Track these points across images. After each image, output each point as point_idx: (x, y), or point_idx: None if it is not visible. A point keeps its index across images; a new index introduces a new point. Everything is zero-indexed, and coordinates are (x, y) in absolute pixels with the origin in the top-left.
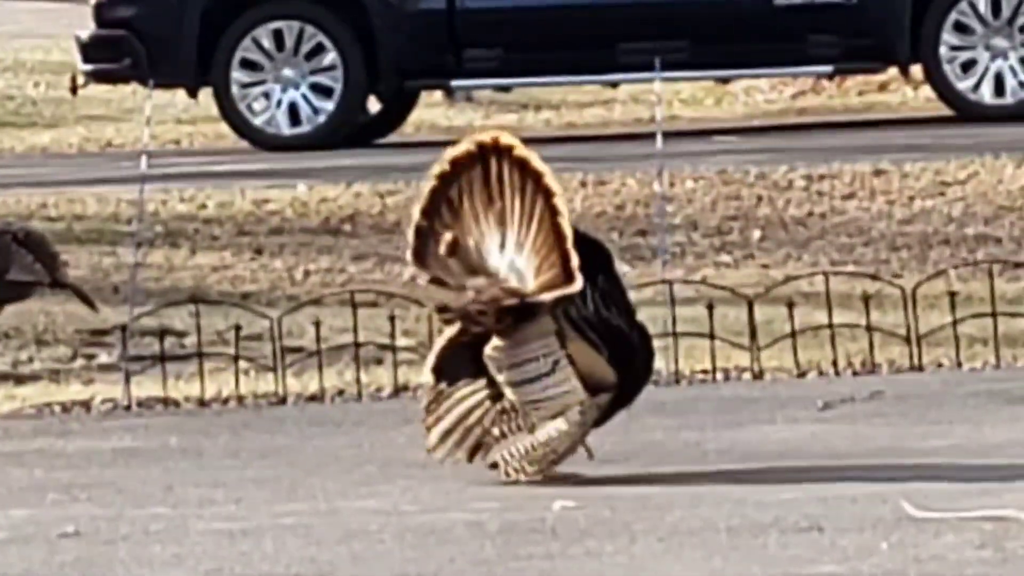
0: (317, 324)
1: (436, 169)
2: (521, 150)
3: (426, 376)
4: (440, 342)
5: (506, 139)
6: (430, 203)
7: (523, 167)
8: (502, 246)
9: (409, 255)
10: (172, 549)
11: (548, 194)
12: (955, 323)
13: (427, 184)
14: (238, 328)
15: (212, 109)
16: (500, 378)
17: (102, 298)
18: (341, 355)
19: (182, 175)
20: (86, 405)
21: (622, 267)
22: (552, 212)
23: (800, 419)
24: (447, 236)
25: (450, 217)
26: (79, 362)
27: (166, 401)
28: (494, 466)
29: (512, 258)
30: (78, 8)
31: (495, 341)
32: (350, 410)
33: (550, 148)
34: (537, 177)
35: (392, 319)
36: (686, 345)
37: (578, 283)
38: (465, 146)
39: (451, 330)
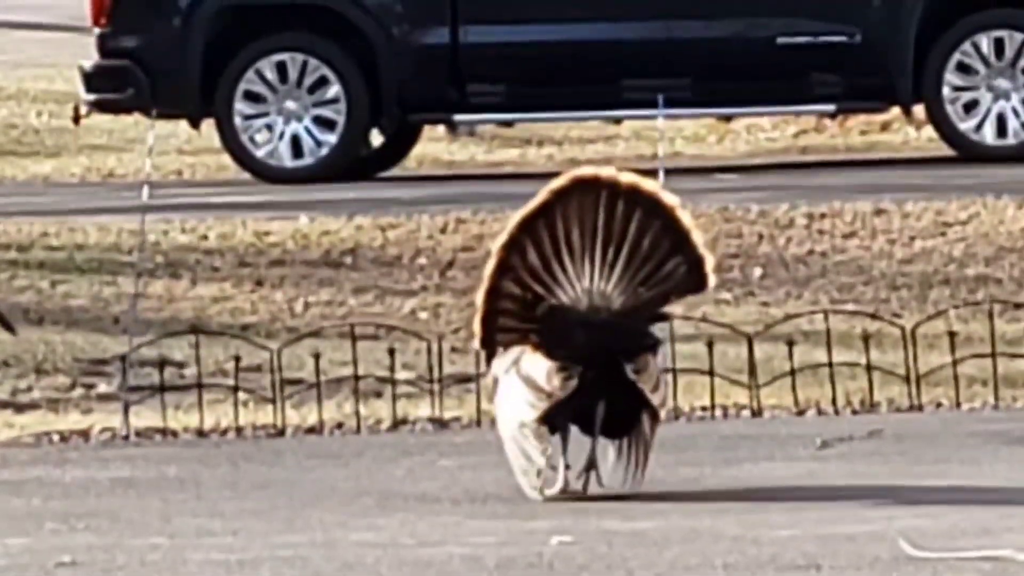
0: (317, 356)
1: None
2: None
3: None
4: (551, 401)
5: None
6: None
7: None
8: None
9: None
10: None
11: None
12: (955, 363)
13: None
14: (238, 359)
15: (214, 140)
16: (656, 399)
17: (102, 328)
18: (340, 387)
19: (184, 206)
20: (85, 434)
21: None
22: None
23: (799, 457)
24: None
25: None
26: (78, 391)
27: (165, 431)
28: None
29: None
30: (82, 38)
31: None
32: (349, 442)
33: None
34: None
35: (392, 352)
36: (685, 382)
37: None
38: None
39: (566, 389)
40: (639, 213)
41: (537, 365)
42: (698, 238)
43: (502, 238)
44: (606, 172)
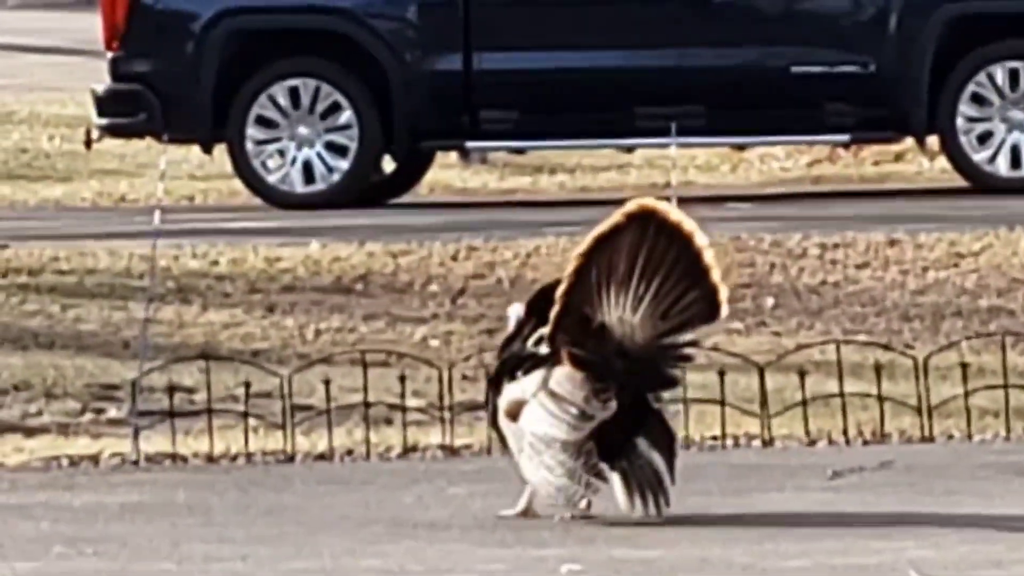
0: (327, 383)
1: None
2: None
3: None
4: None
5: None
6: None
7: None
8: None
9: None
10: None
11: None
12: (966, 394)
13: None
14: (248, 385)
15: (226, 165)
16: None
17: (112, 352)
18: (351, 414)
19: (195, 231)
20: (94, 459)
21: None
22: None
23: (810, 487)
24: None
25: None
26: (88, 416)
27: (174, 457)
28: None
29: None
30: (94, 62)
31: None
32: (358, 469)
33: (564, 212)
34: None
35: (402, 379)
36: (696, 411)
37: None
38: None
39: (607, 410)
40: (674, 250)
41: (574, 385)
42: (717, 272)
43: (581, 247)
44: (661, 206)
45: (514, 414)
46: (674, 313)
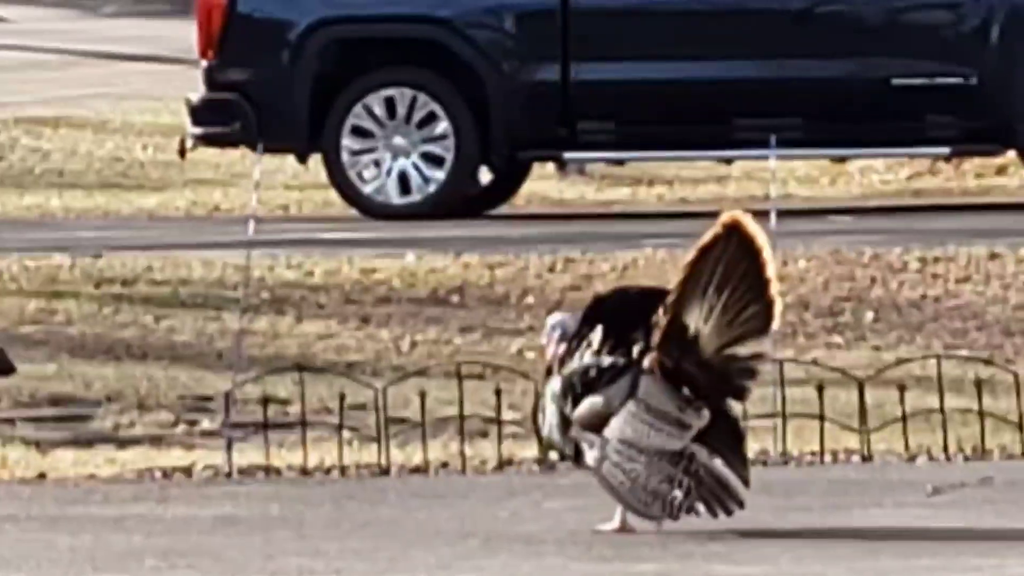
0: (422, 395)
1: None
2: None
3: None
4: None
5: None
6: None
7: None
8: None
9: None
10: None
11: None
12: None
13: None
14: (342, 397)
15: (321, 176)
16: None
17: (205, 364)
18: (446, 427)
19: (289, 241)
20: (187, 471)
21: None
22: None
23: (909, 503)
24: None
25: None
26: (181, 427)
27: (268, 469)
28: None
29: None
30: (189, 71)
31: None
32: (454, 483)
33: (662, 224)
34: None
35: (498, 392)
36: (795, 426)
37: None
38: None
39: (702, 420)
40: (745, 263)
41: (666, 395)
42: (775, 286)
43: (689, 256)
44: (745, 219)
45: (596, 425)
46: (736, 324)
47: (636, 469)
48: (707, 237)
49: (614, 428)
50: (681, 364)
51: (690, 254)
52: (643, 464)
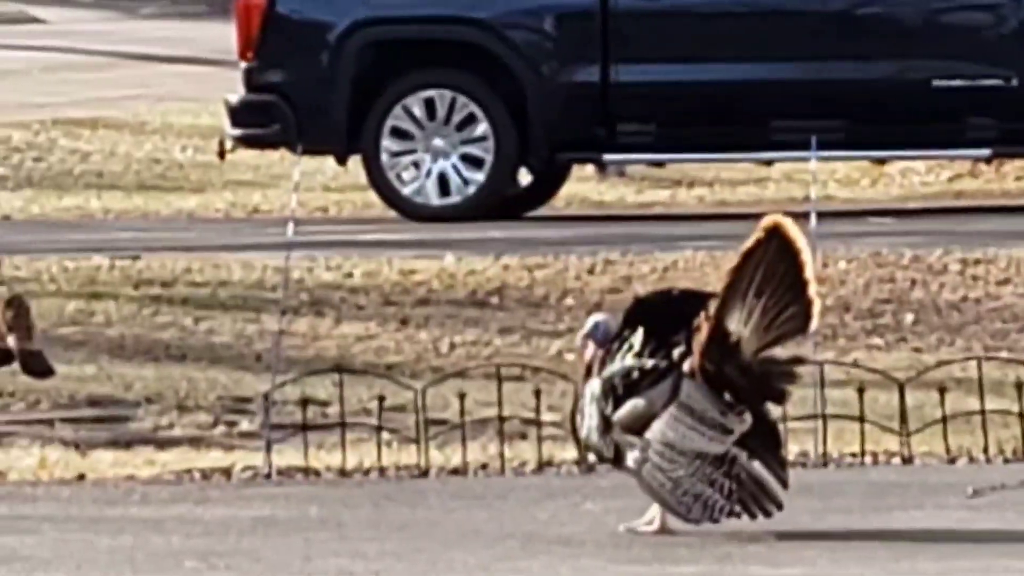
0: (462, 397)
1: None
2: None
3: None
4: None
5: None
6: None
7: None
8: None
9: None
10: None
11: None
12: None
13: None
14: (381, 399)
15: (360, 177)
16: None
17: (245, 365)
18: (485, 428)
19: (328, 243)
20: (226, 472)
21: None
22: None
23: (949, 505)
24: None
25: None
26: (220, 429)
27: (307, 471)
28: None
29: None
30: (228, 72)
31: None
32: (493, 484)
33: (702, 226)
34: None
35: (538, 393)
36: (835, 428)
37: None
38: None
39: (744, 424)
40: (783, 265)
41: (708, 399)
42: (814, 287)
43: (733, 263)
44: (786, 222)
45: (638, 428)
46: (775, 326)
47: (677, 471)
48: (750, 242)
49: (656, 430)
50: (723, 368)
51: (734, 259)
52: (685, 467)
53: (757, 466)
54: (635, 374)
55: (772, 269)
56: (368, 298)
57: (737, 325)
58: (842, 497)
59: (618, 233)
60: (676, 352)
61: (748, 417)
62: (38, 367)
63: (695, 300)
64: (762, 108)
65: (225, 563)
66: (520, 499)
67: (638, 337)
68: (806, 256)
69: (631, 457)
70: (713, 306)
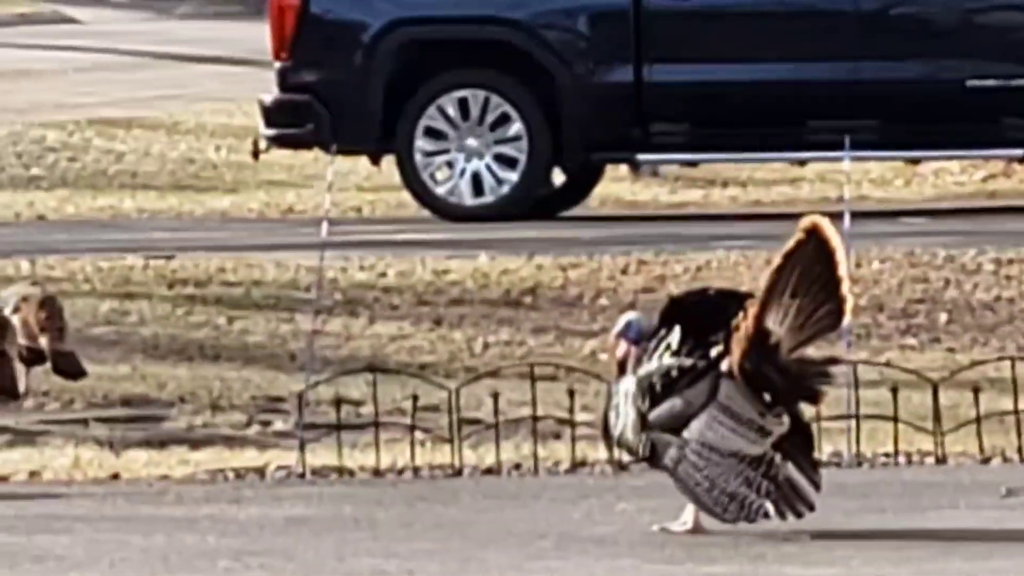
0: (495, 396)
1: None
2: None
3: None
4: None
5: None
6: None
7: None
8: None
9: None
10: None
11: None
12: None
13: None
14: (415, 398)
15: (394, 177)
16: None
17: (278, 365)
18: (519, 428)
19: (362, 243)
20: (260, 472)
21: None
22: None
23: (983, 505)
24: None
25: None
26: (254, 428)
27: (341, 470)
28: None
29: None
30: (262, 72)
31: None
32: (526, 484)
33: (735, 226)
34: None
35: (571, 393)
36: (869, 428)
37: None
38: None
39: (782, 426)
40: (819, 266)
41: (747, 400)
42: (847, 284)
43: (773, 264)
44: (823, 223)
45: (675, 427)
46: (808, 325)
47: (714, 471)
48: (790, 242)
49: (694, 430)
50: (762, 368)
51: (775, 260)
52: (722, 466)
53: (790, 468)
54: (674, 373)
55: (809, 269)
56: (402, 298)
57: (775, 325)
58: (876, 497)
59: (651, 233)
60: (714, 352)
61: (786, 420)
62: (70, 368)
63: (732, 300)
64: (796, 108)
65: (259, 562)
66: (553, 499)
67: (675, 336)
68: (841, 255)
69: (667, 456)
70: (751, 306)
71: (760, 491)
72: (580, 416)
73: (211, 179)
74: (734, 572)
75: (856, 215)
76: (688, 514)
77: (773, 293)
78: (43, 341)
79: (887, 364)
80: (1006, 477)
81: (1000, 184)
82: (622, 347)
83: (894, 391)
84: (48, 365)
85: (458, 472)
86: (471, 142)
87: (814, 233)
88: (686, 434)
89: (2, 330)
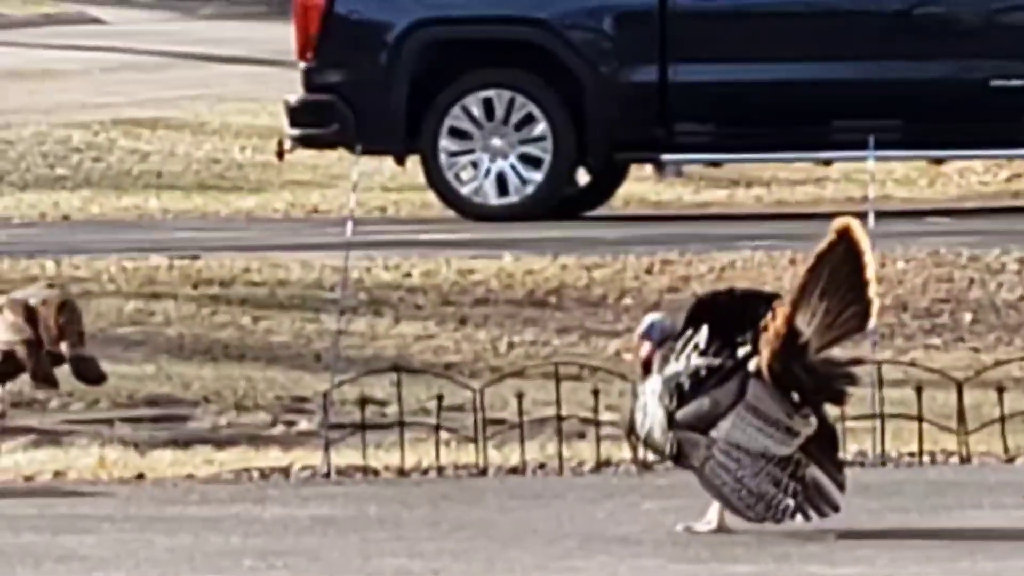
0: (520, 396)
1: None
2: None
3: None
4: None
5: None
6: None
7: None
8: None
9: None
10: None
11: None
12: None
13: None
14: (440, 398)
15: (419, 177)
16: None
17: (303, 364)
18: (543, 428)
19: (387, 243)
20: (285, 472)
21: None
22: None
23: (1007, 505)
24: None
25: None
26: (279, 428)
27: (365, 470)
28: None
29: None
30: (287, 72)
31: None
32: (551, 484)
33: (760, 225)
34: None
35: (596, 393)
36: (893, 427)
37: None
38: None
39: (810, 427)
40: (848, 267)
41: (775, 401)
42: (874, 287)
43: (806, 265)
44: (853, 224)
45: (703, 426)
46: (835, 326)
47: (742, 471)
48: (822, 243)
49: (722, 430)
50: (791, 369)
51: (808, 260)
52: (749, 466)
53: (816, 468)
54: (702, 372)
55: (838, 270)
56: (427, 298)
57: (804, 325)
58: (900, 496)
59: (676, 233)
60: (741, 352)
61: (814, 420)
62: (89, 373)
63: (759, 300)
64: (820, 108)
65: (283, 562)
66: (578, 498)
67: (703, 335)
68: (869, 258)
69: (695, 455)
70: (779, 306)
71: (788, 491)
72: (605, 416)
73: (236, 179)
74: (759, 571)
75: (880, 215)
76: (712, 513)
77: (804, 293)
78: (63, 346)
79: (911, 363)
80: None
81: None
82: (645, 348)
83: (918, 391)
84: (68, 368)
85: (483, 472)
86: (496, 142)
87: (845, 235)
88: (714, 433)
89: (32, 319)
